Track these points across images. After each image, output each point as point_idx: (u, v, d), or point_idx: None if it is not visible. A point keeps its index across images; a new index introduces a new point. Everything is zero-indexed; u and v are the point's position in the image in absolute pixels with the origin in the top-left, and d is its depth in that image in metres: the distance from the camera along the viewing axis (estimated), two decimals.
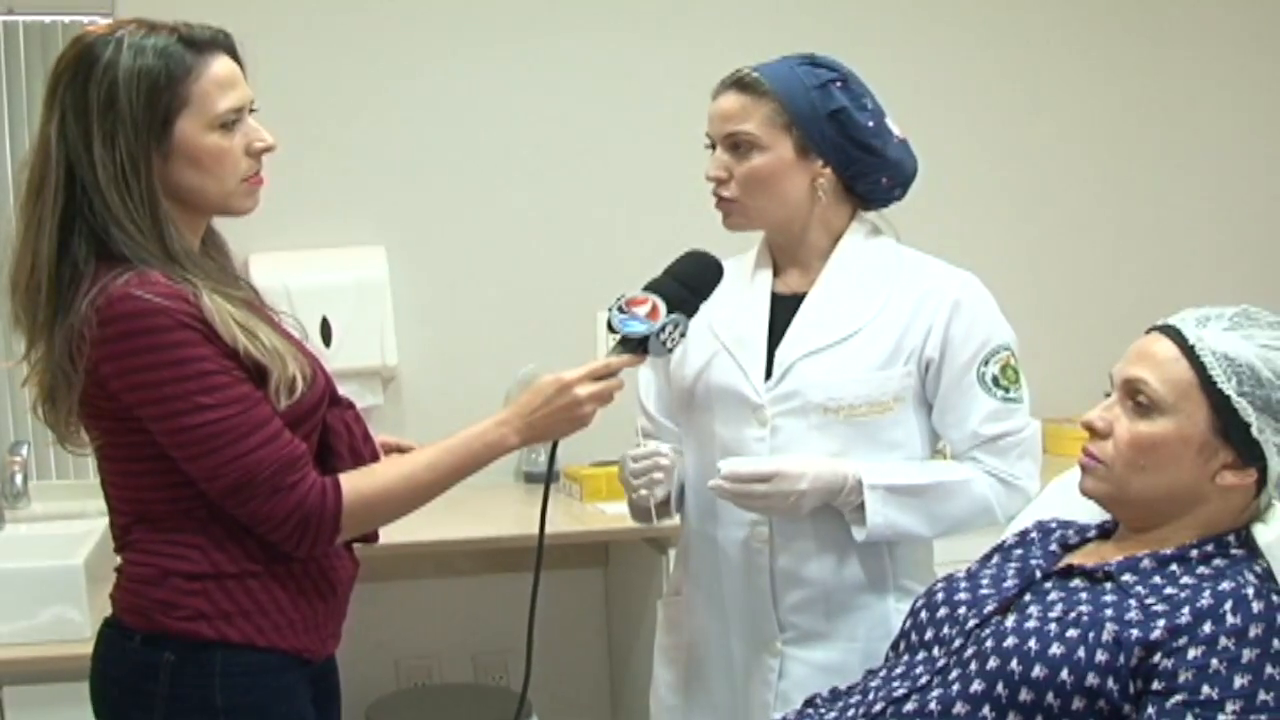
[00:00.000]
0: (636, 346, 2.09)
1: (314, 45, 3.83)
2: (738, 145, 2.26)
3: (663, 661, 2.51)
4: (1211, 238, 4.41)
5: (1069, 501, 2.13)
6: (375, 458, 2.09)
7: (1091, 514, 2.05)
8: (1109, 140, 4.35)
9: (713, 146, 2.31)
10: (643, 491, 2.35)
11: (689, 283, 2.14)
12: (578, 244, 3.98)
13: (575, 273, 3.92)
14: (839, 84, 2.26)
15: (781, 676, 2.30)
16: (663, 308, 2.09)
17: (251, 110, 2.00)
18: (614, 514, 3.47)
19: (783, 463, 2.20)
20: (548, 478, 2.17)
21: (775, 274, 2.38)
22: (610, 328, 2.09)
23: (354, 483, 1.97)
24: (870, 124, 2.26)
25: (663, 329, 2.08)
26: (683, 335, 2.11)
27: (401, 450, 2.19)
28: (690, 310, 2.13)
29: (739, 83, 2.27)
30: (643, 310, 2.09)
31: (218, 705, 1.93)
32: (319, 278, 3.74)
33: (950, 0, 4.24)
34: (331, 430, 2.05)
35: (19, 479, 3.52)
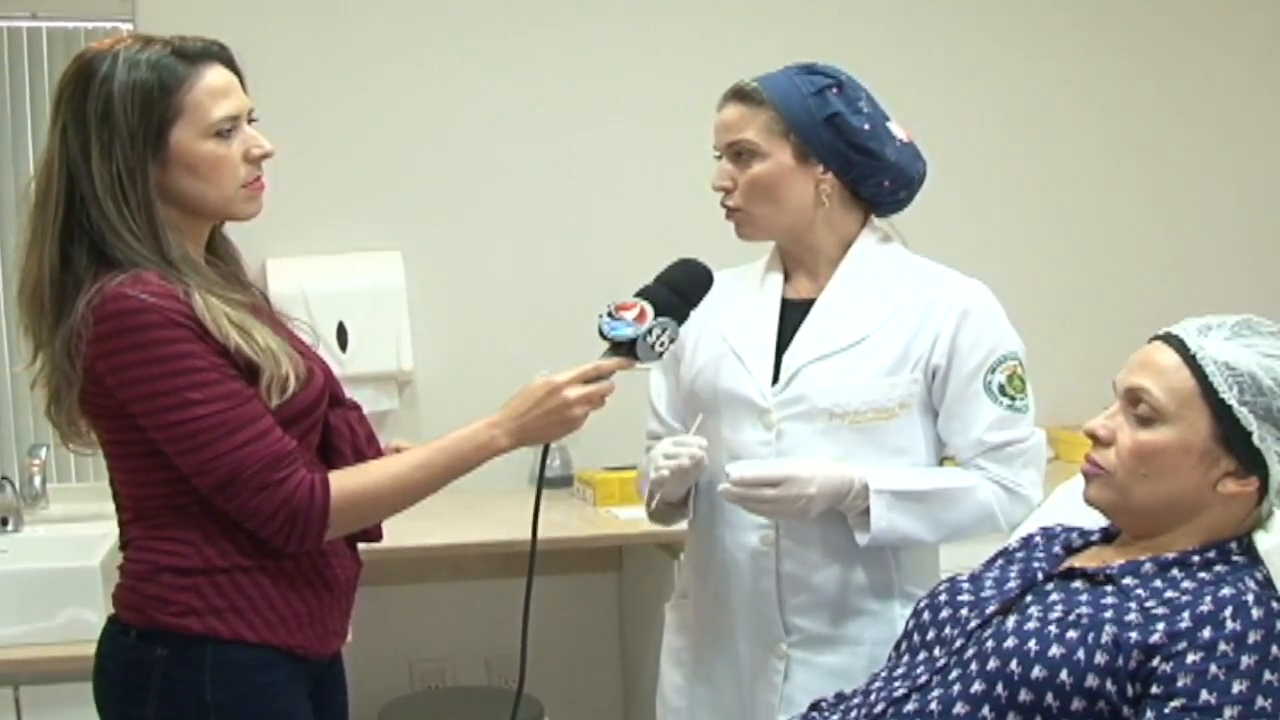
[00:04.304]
0: (625, 350, 2.12)
1: (330, 52, 3.85)
2: (739, 154, 2.30)
3: (670, 664, 2.52)
4: (1223, 246, 4.41)
5: (1076, 507, 2.14)
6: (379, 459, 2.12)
7: (1097, 521, 2.06)
8: (1120, 148, 4.36)
9: (720, 157, 2.34)
10: (684, 461, 2.28)
11: (678, 288, 2.17)
12: (593, 250, 4.00)
13: (590, 279, 3.91)
14: (835, 89, 2.29)
15: (787, 680, 2.31)
16: (650, 312, 2.12)
17: (252, 120, 2.04)
18: (627, 518, 3.49)
19: (792, 467, 2.22)
20: (539, 480, 2.19)
21: (786, 279, 2.40)
22: (600, 333, 2.12)
23: (342, 480, 2.00)
24: (866, 127, 2.28)
25: (649, 332, 2.11)
26: (671, 340, 2.13)
27: None
28: (679, 315, 2.15)
29: (738, 93, 2.31)
30: (630, 315, 2.12)
31: (208, 700, 1.96)
32: (335, 283, 3.77)
33: (960, 7, 4.26)
34: (334, 430, 2.10)
35: (38, 481, 3.54)
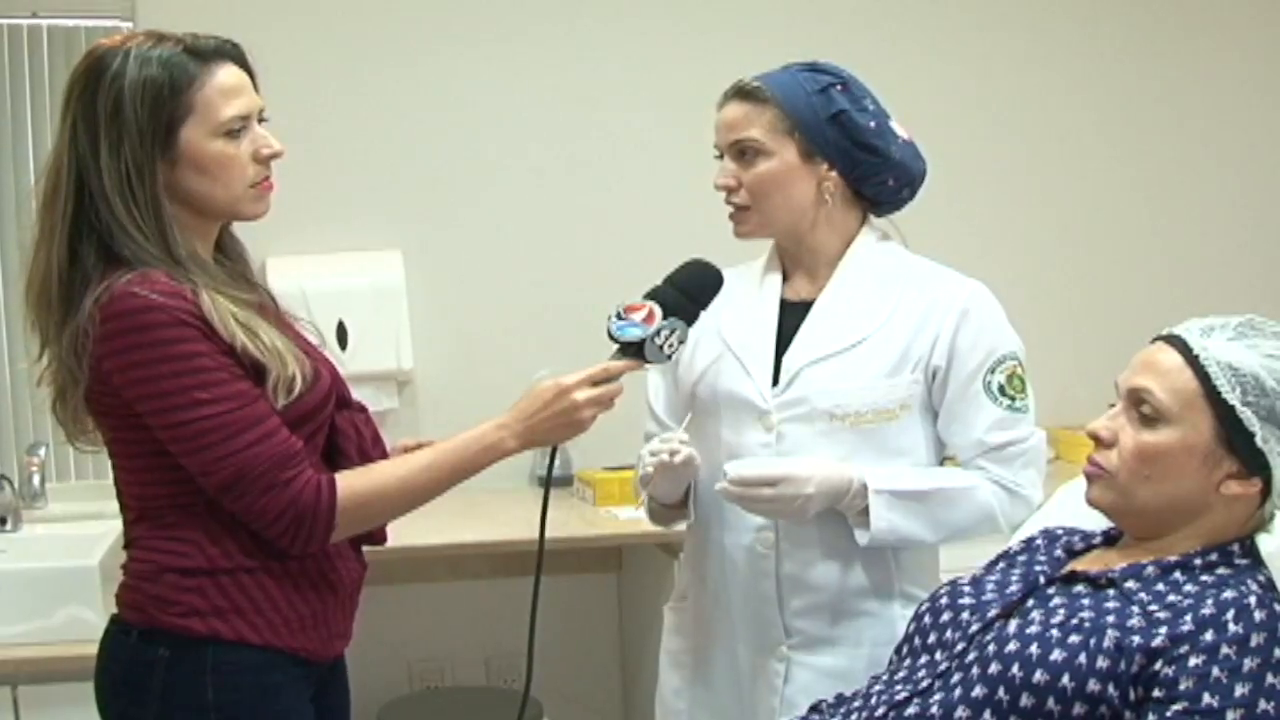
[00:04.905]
0: (634, 352, 2.11)
1: (331, 52, 3.85)
2: (744, 152, 2.29)
3: (669, 666, 2.51)
4: (1224, 246, 4.40)
5: (1077, 509, 2.13)
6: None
7: (1099, 522, 2.05)
8: (1121, 147, 4.35)
9: (721, 156, 2.33)
10: (664, 456, 2.28)
11: (687, 290, 2.16)
12: (594, 249, 4.00)
13: (591, 277, 3.92)
14: (839, 87, 2.28)
15: (787, 681, 2.31)
16: (659, 313, 2.11)
17: (262, 119, 2.03)
18: (627, 518, 3.49)
19: (790, 466, 2.21)
20: (547, 482, 2.18)
21: (784, 280, 2.40)
22: (609, 334, 2.11)
23: (349, 481, 1.99)
24: (872, 124, 2.28)
25: (658, 333, 2.10)
26: (681, 341, 2.13)
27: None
28: (688, 317, 2.15)
29: (741, 92, 2.30)
30: (639, 316, 2.11)
31: (209, 701, 1.95)
32: (336, 282, 3.77)
33: (960, 7, 4.25)
34: (340, 432, 2.09)
35: (37, 480, 3.54)
